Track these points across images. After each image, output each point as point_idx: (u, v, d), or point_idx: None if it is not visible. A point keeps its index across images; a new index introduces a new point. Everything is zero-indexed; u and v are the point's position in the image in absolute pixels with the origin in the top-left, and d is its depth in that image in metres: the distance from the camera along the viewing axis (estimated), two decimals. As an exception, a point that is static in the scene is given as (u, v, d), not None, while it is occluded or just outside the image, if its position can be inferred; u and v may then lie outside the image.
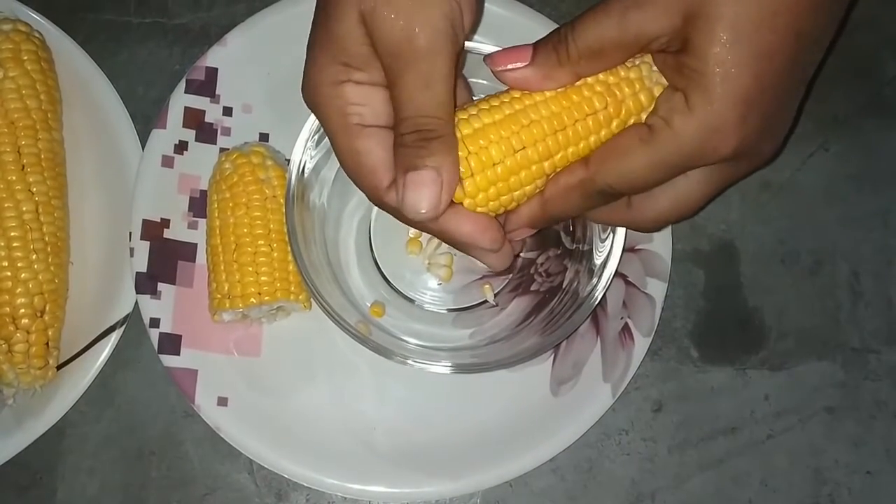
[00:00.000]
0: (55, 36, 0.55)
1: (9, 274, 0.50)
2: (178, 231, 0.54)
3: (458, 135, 0.38)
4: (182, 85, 0.55)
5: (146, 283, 0.53)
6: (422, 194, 0.37)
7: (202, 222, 0.54)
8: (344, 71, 0.38)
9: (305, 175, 0.48)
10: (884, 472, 0.55)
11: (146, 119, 0.56)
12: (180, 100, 0.55)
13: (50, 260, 0.51)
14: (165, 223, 0.54)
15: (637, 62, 0.39)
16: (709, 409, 0.55)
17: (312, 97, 0.40)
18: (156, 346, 0.52)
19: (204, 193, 0.54)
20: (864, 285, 0.57)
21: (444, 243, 0.53)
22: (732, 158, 0.37)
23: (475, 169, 0.38)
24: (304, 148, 0.47)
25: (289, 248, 0.48)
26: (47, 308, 0.51)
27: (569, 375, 0.53)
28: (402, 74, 0.37)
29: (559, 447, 0.52)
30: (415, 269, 0.55)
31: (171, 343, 0.52)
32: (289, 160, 0.48)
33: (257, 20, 0.56)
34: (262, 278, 0.50)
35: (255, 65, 0.55)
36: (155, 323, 0.53)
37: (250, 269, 0.50)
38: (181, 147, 0.55)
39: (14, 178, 0.51)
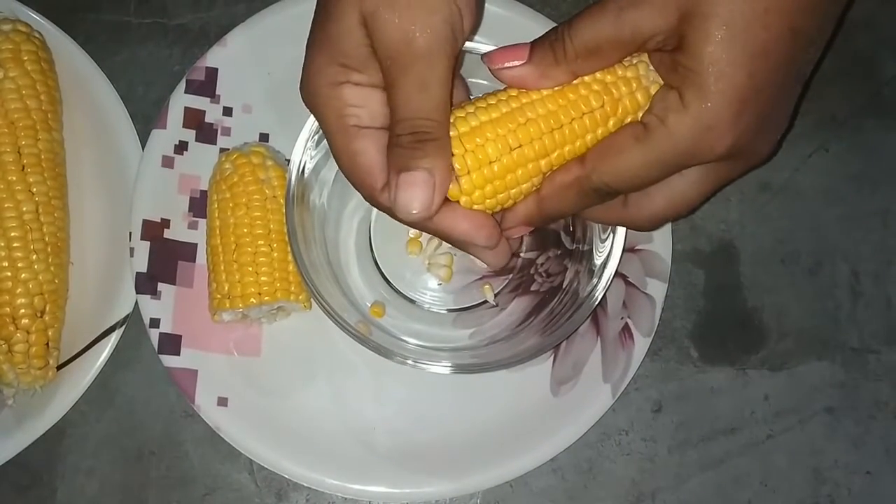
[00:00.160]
0: (55, 36, 0.55)
1: (9, 274, 0.50)
2: (178, 231, 0.54)
3: (455, 132, 0.39)
4: (182, 85, 0.55)
5: (146, 284, 0.53)
6: (414, 194, 0.37)
7: (202, 222, 0.54)
8: (342, 72, 0.39)
9: (305, 175, 0.48)
10: (883, 472, 0.55)
11: (146, 119, 0.56)
12: (180, 100, 0.55)
13: (50, 260, 0.51)
14: (165, 223, 0.54)
15: (634, 61, 0.39)
16: (709, 410, 0.55)
17: (310, 97, 0.40)
18: (156, 347, 0.52)
19: (204, 193, 0.54)
20: (864, 285, 0.57)
21: (444, 243, 0.54)
22: (728, 157, 0.38)
23: (471, 166, 0.38)
24: (305, 148, 0.47)
25: (289, 249, 0.48)
26: (47, 308, 0.51)
27: (569, 375, 0.53)
28: (400, 77, 0.37)
29: (559, 447, 0.52)
30: (415, 270, 0.55)
31: (171, 343, 0.52)
32: (289, 160, 0.48)
33: (257, 20, 0.56)
34: (262, 278, 0.50)
35: (255, 65, 0.55)
36: (155, 323, 0.53)
37: (250, 269, 0.50)
38: (181, 147, 0.55)
39: (14, 178, 0.51)
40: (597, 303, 0.48)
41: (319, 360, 0.53)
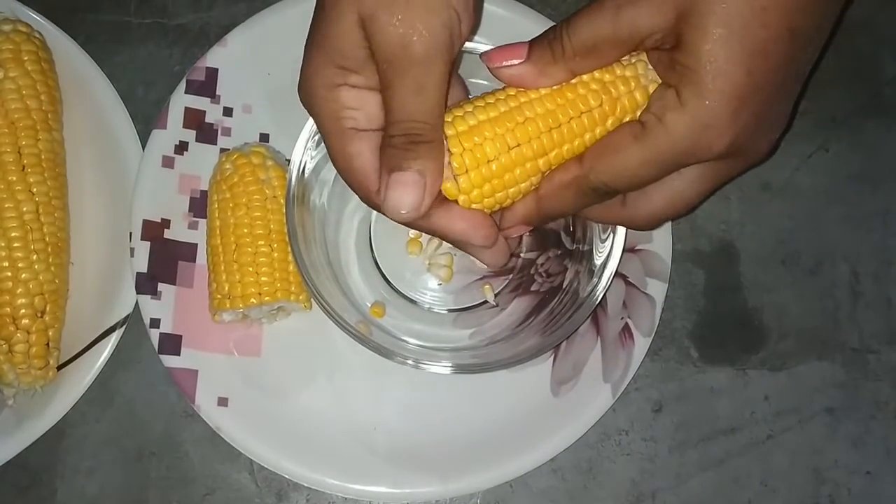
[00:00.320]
0: (55, 36, 0.55)
1: (9, 274, 0.50)
2: (178, 231, 0.54)
3: (453, 131, 0.39)
4: (182, 85, 0.55)
5: (146, 284, 0.53)
6: (404, 195, 0.38)
7: (202, 223, 0.54)
8: (340, 74, 0.39)
9: (306, 175, 0.48)
10: (883, 472, 0.55)
11: (146, 119, 0.56)
12: (180, 100, 0.55)
13: (50, 260, 0.51)
14: (166, 223, 0.54)
15: (633, 60, 0.39)
16: (709, 410, 0.55)
17: (308, 99, 0.40)
18: (156, 347, 0.52)
19: (204, 194, 0.54)
20: (864, 285, 0.57)
21: (444, 243, 0.54)
22: (726, 155, 0.37)
23: (469, 165, 0.38)
24: (305, 148, 0.47)
25: (289, 249, 0.48)
26: (48, 308, 0.51)
27: (569, 375, 0.53)
28: (397, 80, 0.37)
29: (559, 447, 0.52)
30: (415, 270, 0.55)
31: (172, 343, 0.52)
32: (289, 161, 0.48)
33: (257, 20, 0.56)
34: (263, 278, 0.50)
35: (255, 65, 0.55)
36: (155, 323, 0.53)
37: (250, 269, 0.50)
38: (181, 147, 0.55)
39: (14, 178, 0.51)
40: (597, 303, 0.48)
41: (320, 361, 0.53)
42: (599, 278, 0.48)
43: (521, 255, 0.55)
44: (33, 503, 0.53)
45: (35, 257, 0.50)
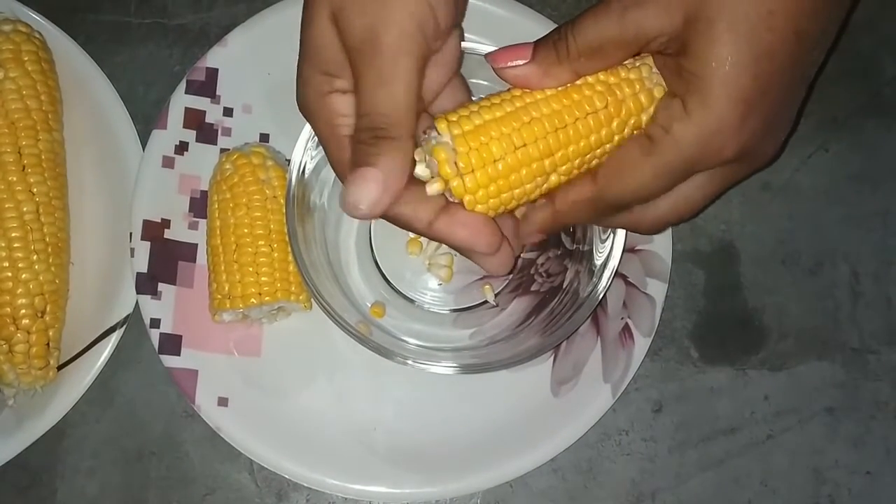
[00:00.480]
0: (56, 36, 0.55)
1: (10, 274, 0.50)
2: (178, 231, 0.54)
3: (459, 130, 0.38)
4: (182, 85, 0.55)
5: (147, 284, 0.53)
6: (361, 190, 0.37)
7: (202, 223, 0.54)
8: (326, 81, 0.39)
9: (306, 176, 0.48)
10: (884, 472, 0.55)
11: (146, 119, 0.56)
12: (181, 100, 0.55)
13: (51, 260, 0.51)
14: (166, 223, 0.54)
15: (637, 63, 0.39)
16: (709, 410, 0.55)
17: (303, 108, 0.40)
18: (156, 347, 0.52)
19: (204, 194, 0.54)
20: (864, 286, 0.57)
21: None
22: (735, 160, 0.38)
23: (475, 165, 0.38)
24: (305, 148, 0.47)
25: (289, 249, 0.48)
26: (48, 308, 0.51)
27: (569, 376, 0.53)
28: (363, 71, 0.37)
29: (559, 447, 0.52)
30: (415, 270, 0.55)
31: (172, 343, 0.52)
32: (289, 161, 0.48)
33: (257, 21, 0.56)
34: (263, 279, 0.50)
35: (255, 65, 0.55)
36: (155, 323, 0.53)
37: (251, 269, 0.50)
38: (182, 147, 0.55)
39: (15, 178, 0.51)
40: (597, 303, 0.48)
41: (320, 361, 0.53)
42: (599, 278, 0.48)
43: (522, 255, 0.54)
44: (33, 503, 0.53)
45: (35, 257, 0.50)
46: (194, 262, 0.54)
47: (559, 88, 0.39)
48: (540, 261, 0.54)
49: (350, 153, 0.39)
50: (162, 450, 0.54)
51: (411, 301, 0.54)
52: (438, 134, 0.38)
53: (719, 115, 0.36)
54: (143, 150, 0.54)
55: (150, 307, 0.53)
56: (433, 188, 0.38)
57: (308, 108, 0.40)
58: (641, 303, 0.54)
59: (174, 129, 0.55)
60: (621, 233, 0.47)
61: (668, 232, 0.54)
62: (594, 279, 0.48)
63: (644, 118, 0.39)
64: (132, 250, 0.53)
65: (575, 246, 0.53)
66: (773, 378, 0.55)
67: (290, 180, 0.47)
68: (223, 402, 0.52)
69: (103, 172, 0.55)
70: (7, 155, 0.51)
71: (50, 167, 0.52)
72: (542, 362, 0.54)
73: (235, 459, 0.53)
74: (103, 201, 0.55)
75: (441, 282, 0.55)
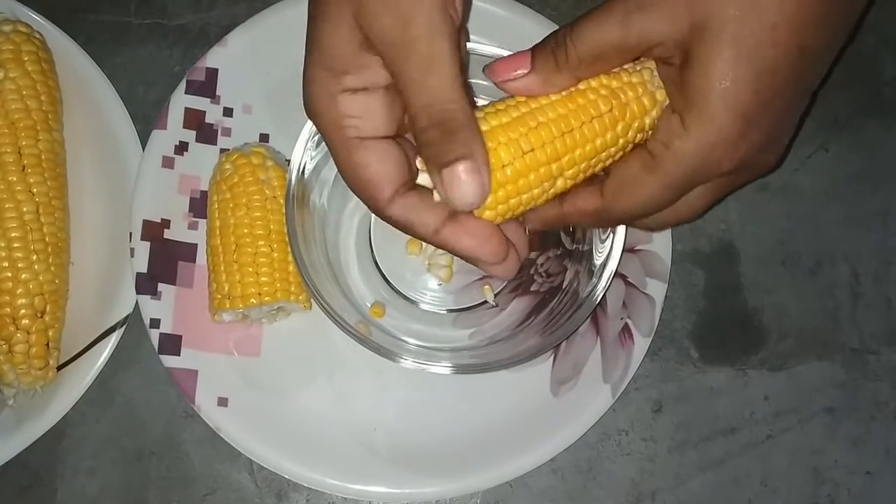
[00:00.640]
0: (56, 37, 0.55)
1: (9, 274, 0.50)
2: (178, 232, 0.54)
3: None
4: (182, 86, 0.55)
5: (146, 284, 0.53)
6: (463, 187, 0.36)
7: (202, 223, 0.54)
8: (336, 81, 0.38)
9: (306, 176, 0.48)
10: (883, 472, 0.55)
11: (146, 120, 0.56)
12: (180, 100, 0.55)
13: (50, 260, 0.51)
14: (166, 224, 0.54)
15: (638, 67, 0.39)
16: (709, 410, 0.55)
17: (310, 111, 0.39)
18: (156, 347, 0.52)
19: (204, 194, 0.54)
20: (864, 286, 0.57)
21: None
22: (734, 172, 0.38)
23: None
24: (305, 149, 0.47)
25: (289, 249, 0.48)
26: (48, 308, 0.51)
27: (569, 376, 0.53)
28: (405, 64, 0.36)
29: (559, 447, 0.52)
30: (415, 270, 0.55)
31: (172, 343, 0.52)
32: (289, 161, 0.48)
33: (257, 21, 0.56)
34: (263, 279, 0.50)
35: (255, 65, 0.55)
36: (155, 323, 0.53)
37: (250, 269, 0.50)
38: (181, 148, 0.55)
39: (15, 178, 0.51)
40: (597, 303, 0.48)
41: (319, 361, 0.53)
42: (599, 278, 0.48)
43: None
44: (33, 503, 0.53)
45: (35, 257, 0.50)
46: (194, 262, 0.54)
47: (563, 93, 0.39)
48: (540, 261, 0.54)
49: (365, 165, 0.38)
50: (162, 450, 0.54)
51: (411, 301, 0.54)
52: None
53: (718, 129, 0.36)
54: (143, 150, 0.54)
55: (150, 307, 0.53)
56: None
57: (315, 108, 0.39)
58: (641, 303, 0.54)
59: (174, 129, 0.55)
60: (621, 233, 0.47)
61: (668, 232, 0.54)
62: (594, 279, 0.48)
63: (647, 121, 0.39)
64: (132, 250, 0.53)
65: (575, 246, 0.53)
66: (772, 378, 0.55)
67: (290, 180, 0.47)
68: (223, 402, 0.52)
69: (103, 172, 0.55)
70: (7, 155, 0.51)
71: (50, 167, 0.52)
72: (542, 362, 0.54)
73: (235, 459, 0.53)
74: (103, 201, 0.55)
75: (441, 282, 0.55)
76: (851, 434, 0.55)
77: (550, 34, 0.39)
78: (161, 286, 0.53)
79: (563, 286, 0.52)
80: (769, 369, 0.56)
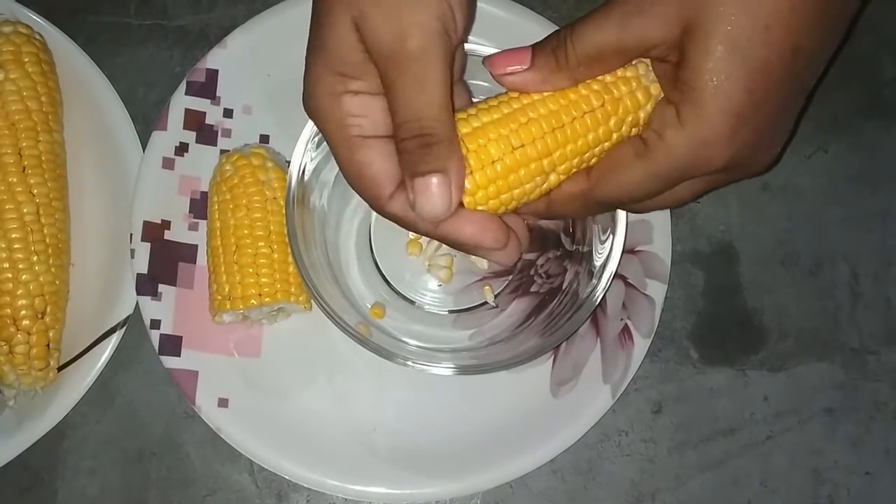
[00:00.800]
0: (56, 38, 0.55)
1: (10, 275, 0.50)
2: (178, 233, 0.54)
3: (458, 134, 0.38)
4: (182, 87, 0.55)
5: (147, 285, 0.53)
6: (431, 197, 0.37)
7: (203, 224, 0.54)
8: (341, 81, 0.38)
9: (306, 177, 0.48)
10: (883, 472, 0.55)
11: (147, 121, 0.56)
12: (181, 101, 0.55)
13: (51, 261, 0.51)
14: (166, 225, 0.54)
15: (633, 62, 0.39)
16: (708, 410, 0.55)
17: (312, 109, 0.40)
18: (156, 348, 0.52)
19: (204, 195, 0.54)
20: (864, 286, 0.57)
21: (444, 245, 0.53)
22: (725, 169, 0.38)
23: (474, 166, 0.39)
24: (305, 150, 0.47)
25: (289, 250, 0.48)
26: (48, 309, 0.51)
27: (569, 376, 0.54)
28: (397, 79, 0.37)
29: (559, 448, 0.52)
30: (415, 271, 0.55)
31: (172, 344, 0.53)
32: (289, 162, 0.48)
33: (258, 22, 0.56)
34: (263, 280, 0.50)
35: (255, 66, 0.55)
36: (155, 324, 0.53)
37: (251, 270, 0.50)
38: (182, 149, 0.55)
39: (15, 179, 0.51)
40: (596, 304, 0.48)
41: (320, 362, 0.53)
42: (599, 279, 0.48)
43: (522, 256, 0.54)
44: (34, 504, 0.53)
45: (36, 258, 0.51)
46: (194, 263, 0.54)
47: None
48: (539, 262, 0.54)
49: (367, 164, 0.39)
50: (162, 450, 0.54)
51: (411, 302, 0.54)
52: None
53: (711, 126, 0.36)
54: (144, 151, 0.54)
55: (151, 308, 0.53)
56: None
57: (317, 107, 0.39)
58: (641, 304, 0.54)
59: (174, 130, 0.55)
60: (621, 234, 0.47)
61: (668, 233, 0.54)
62: (594, 280, 0.48)
63: (642, 115, 0.39)
64: (132, 251, 0.53)
65: (574, 247, 0.53)
66: (772, 379, 0.55)
67: (290, 181, 0.47)
68: (223, 402, 0.52)
69: (104, 173, 0.55)
70: (7, 156, 0.51)
71: (50, 168, 0.52)
72: (542, 363, 0.54)
73: (236, 460, 0.53)
74: (104, 202, 0.55)
75: (441, 283, 0.55)
76: (851, 434, 0.55)
77: (551, 34, 0.39)
78: (161, 287, 0.53)
79: (563, 287, 0.52)
80: (769, 370, 0.56)
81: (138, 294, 0.53)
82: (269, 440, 0.52)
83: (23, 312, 0.50)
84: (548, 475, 0.54)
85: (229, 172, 0.51)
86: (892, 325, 0.56)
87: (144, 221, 0.54)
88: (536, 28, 0.55)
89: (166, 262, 0.53)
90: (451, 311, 0.54)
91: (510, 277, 0.55)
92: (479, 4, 0.55)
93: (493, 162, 0.39)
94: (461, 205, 0.39)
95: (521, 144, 0.39)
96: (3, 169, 0.51)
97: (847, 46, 0.56)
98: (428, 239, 0.54)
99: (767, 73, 0.36)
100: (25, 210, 0.51)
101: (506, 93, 0.40)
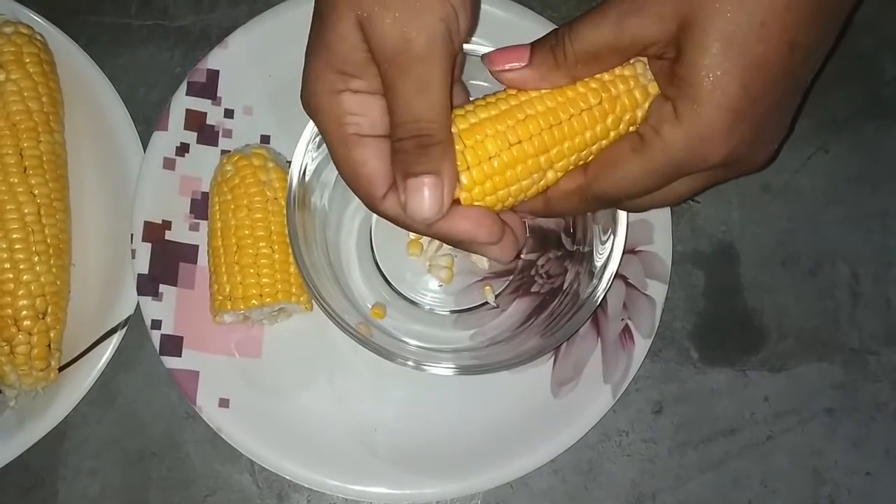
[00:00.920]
0: (57, 38, 0.55)
1: (11, 276, 0.50)
2: (179, 233, 0.54)
3: (454, 129, 0.39)
4: (183, 87, 0.55)
5: (148, 285, 0.53)
6: (423, 199, 0.37)
7: (203, 224, 0.54)
8: (341, 79, 0.39)
9: (307, 177, 0.48)
10: (883, 473, 0.55)
11: (147, 121, 0.56)
12: (181, 102, 0.55)
13: (52, 262, 0.51)
14: (167, 225, 0.54)
15: (631, 61, 0.39)
16: (709, 411, 0.55)
17: (310, 106, 0.40)
18: (157, 348, 0.52)
19: (205, 195, 0.54)
20: (864, 286, 0.57)
21: (445, 245, 0.54)
22: (722, 166, 0.38)
23: (471, 162, 0.39)
24: (306, 150, 0.47)
25: (290, 250, 0.48)
26: (49, 310, 0.51)
27: (569, 377, 0.54)
28: (399, 79, 0.37)
29: (560, 448, 0.52)
30: (416, 271, 0.55)
31: (173, 344, 0.53)
32: (290, 162, 0.48)
33: (258, 22, 0.56)
34: (264, 280, 0.50)
35: (256, 67, 0.55)
36: (156, 324, 0.53)
37: (251, 270, 0.50)
38: (182, 149, 0.55)
39: (16, 180, 0.51)
40: (597, 304, 0.48)
41: (320, 362, 0.54)
42: (600, 279, 0.48)
43: (522, 256, 0.55)
44: (35, 504, 0.53)
45: (37, 259, 0.51)
46: (195, 263, 0.54)
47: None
48: (540, 262, 0.54)
49: (364, 162, 0.39)
50: (163, 451, 0.54)
51: (412, 302, 0.54)
52: None
53: (708, 122, 0.36)
54: (144, 151, 0.55)
55: (151, 308, 0.53)
56: None
57: (316, 105, 0.39)
58: (641, 304, 0.54)
59: (175, 130, 0.55)
60: (621, 234, 0.47)
61: (668, 233, 0.54)
62: (594, 280, 0.48)
63: (639, 114, 0.39)
64: (133, 252, 0.53)
65: (575, 247, 0.53)
66: (772, 379, 0.55)
67: (291, 182, 0.47)
68: (224, 403, 0.52)
69: (104, 174, 0.55)
70: (9, 157, 0.51)
71: (51, 169, 0.52)
72: (543, 363, 0.54)
73: (236, 460, 0.53)
74: (104, 203, 0.55)
75: (441, 283, 0.55)
76: (851, 435, 0.55)
77: (550, 32, 0.39)
78: (162, 287, 0.53)
79: (564, 287, 0.52)
80: (769, 370, 0.56)
81: (139, 294, 0.53)
82: (269, 440, 0.52)
83: (24, 313, 0.50)
84: (548, 475, 0.54)
85: (230, 173, 0.51)
86: (893, 326, 0.56)
87: (145, 222, 0.54)
88: (536, 28, 0.55)
89: (167, 262, 0.53)
90: (451, 312, 0.54)
91: (511, 278, 0.55)
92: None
93: (490, 158, 0.39)
94: (457, 201, 0.39)
95: (519, 141, 0.39)
96: (4, 169, 0.51)
97: (847, 46, 0.57)
98: (429, 239, 0.54)
99: (764, 70, 0.36)
100: (26, 210, 0.51)
101: (504, 90, 0.40)
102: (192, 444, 0.54)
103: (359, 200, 0.41)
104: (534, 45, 0.39)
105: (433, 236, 0.41)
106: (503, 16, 0.55)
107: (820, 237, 0.57)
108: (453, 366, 0.48)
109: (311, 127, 0.47)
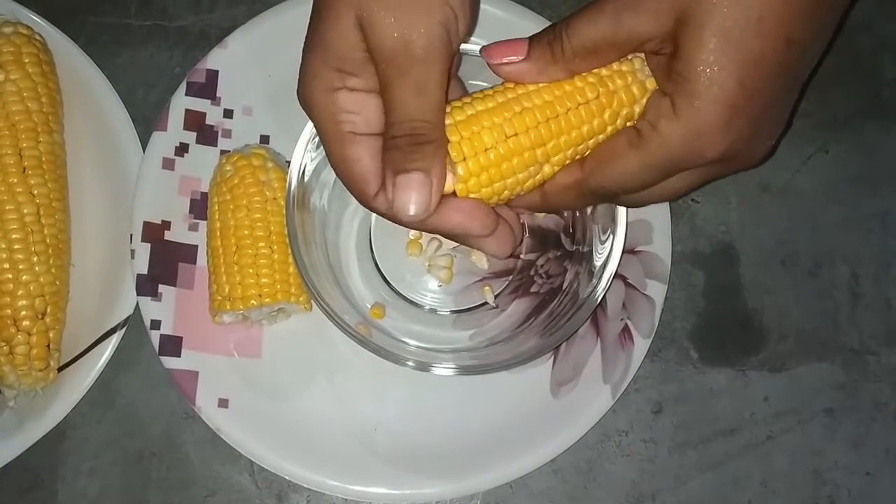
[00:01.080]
0: (56, 39, 0.55)
1: (10, 276, 0.50)
2: (178, 233, 0.54)
3: (451, 121, 0.39)
4: (183, 87, 0.55)
5: (147, 285, 0.53)
6: (411, 196, 0.38)
7: (203, 224, 0.54)
8: (338, 77, 0.39)
9: (306, 177, 0.48)
10: (883, 473, 0.55)
11: (147, 121, 0.56)
12: (181, 102, 0.55)
13: (51, 262, 0.51)
14: (166, 225, 0.54)
15: (630, 56, 0.39)
16: (708, 411, 0.55)
17: (306, 103, 0.40)
18: (156, 348, 0.52)
19: (204, 195, 0.54)
20: (864, 287, 0.57)
21: (444, 245, 0.54)
22: (720, 161, 0.38)
23: (467, 153, 0.39)
24: (305, 150, 0.47)
25: (289, 250, 0.48)
26: (48, 310, 0.51)
27: (569, 377, 0.54)
28: (396, 80, 0.37)
29: (559, 448, 0.52)
30: (415, 271, 0.55)
31: (172, 345, 0.53)
32: (289, 162, 0.48)
33: (258, 22, 0.56)
34: (263, 280, 0.50)
35: (255, 67, 0.55)
36: (156, 325, 0.53)
37: (251, 270, 0.50)
38: (182, 149, 0.55)
39: (15, 180, 0.51)
40: (597, 304, 0.48)
41: (320, 362, 0.54)
42: (599, 279, 0.48)
43: (521, 256, 0.55)
44: (34, 504, 0.53)
45: (36, 259, 0.51)
46: (194, 263, 0.54)
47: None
48: (540, 262, 0.54)
49: (358, 160, 0.39)
50: (162, 451, 0.54)
51: (411, 302, 0.54)
52: None
53: (705, 117, 0.36)
54: (144, 151, 0.55)
55: (151, 308, 0.53)
56: None
57: (312, 101, 0.40)
58: (641, 304, 0.54)
59: (174, 130, 0.55)
60: (621, 234, 0.47)
61: (668, 233, 0.54)
62: (594, 280, 0.48)
63: (637, 109, 0.40)
64: (132, 252, 0.53)
65: (575, 247, 0.53)
66: (772, 379, 0.55)
67: (291, 182, 0.47)
68: (223, 403, 0.52)
69: (104, 174, 0.55)
70: (8, 157, 0.51)
71: (51, 169, 0.52)
72: (542, 363, 0.54)
73: (236, 461, 0.53)
74: (104, 203, 0.55)
75: (441, 283, 0.55)
76: (851, 435, 0.55)
77: (548, 27, 0.40)
78: (161, 287, 0.53)
79: (564, 287, 0.52)
80: (769, 370, 0.56)
81: (138, 294, 0.53)
82: (269, 440, 0.52)
83: (23, 313, 0.50)
84: (548, 475, 0.54)
85: (229, 173, 0.51)
86: (893, 326, 0.56)
87: (144, 222, 0.54)
88: (535, 28, 0.53)
89: (166, 262, 0.53)
90: (451, 312, 0.54)
91: (510, 278, 0.55)
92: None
93: (486, 149, 0.39)
94: (453, 193, 0.39)
95: (515, 133, 0.39)
96: (3, 169, 0.51)
97: (847, 46, 0.57)
98: (428, 240, 0.54)
99: (761, 65, 0.36)
100: (26, 210, 0.51)
101: (502, 84, 0.40)
102: (192, 445, 0.54)
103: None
104: (531, 39, 0.39)
105: (427, 230, 0.41)
106: (502, 15, 0.56)
107: (820, 237, 0.57)
108: (453, 366, 0.48)
109: (310, 127, 0.47)
